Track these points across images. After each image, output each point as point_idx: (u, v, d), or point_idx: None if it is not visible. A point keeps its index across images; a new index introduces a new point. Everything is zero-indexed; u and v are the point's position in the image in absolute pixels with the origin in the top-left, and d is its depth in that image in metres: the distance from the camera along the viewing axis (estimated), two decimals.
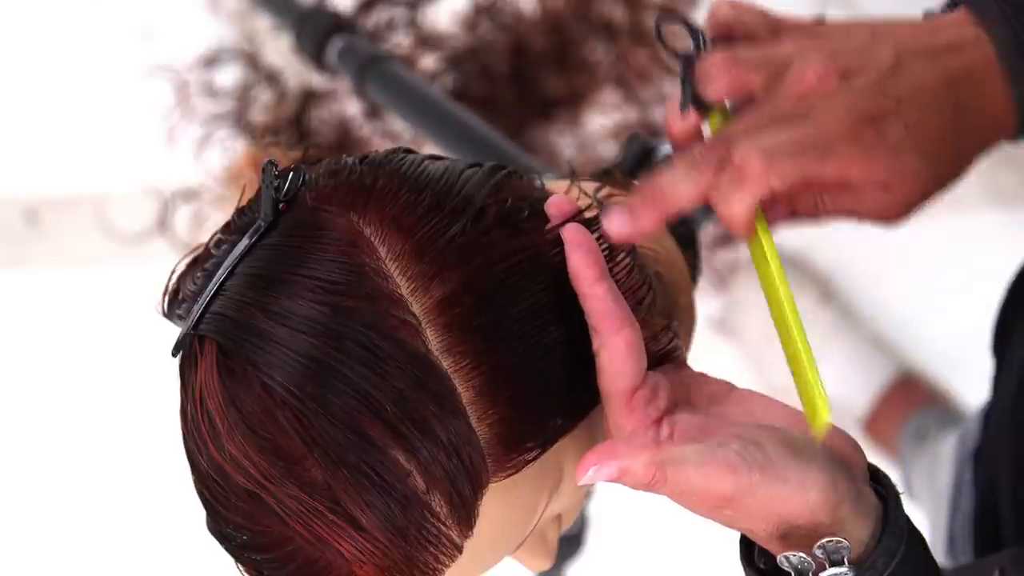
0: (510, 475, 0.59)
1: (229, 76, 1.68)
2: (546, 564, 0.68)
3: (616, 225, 0.60)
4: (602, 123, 1.61)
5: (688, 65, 0.64)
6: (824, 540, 0.59)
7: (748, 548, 0.64)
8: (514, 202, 0.61)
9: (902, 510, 0.61)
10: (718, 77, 0.63)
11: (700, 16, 0.67)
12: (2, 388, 1.66)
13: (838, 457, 0.60)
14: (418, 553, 0.58)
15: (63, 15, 1.71)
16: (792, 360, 0.60)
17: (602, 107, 1.61)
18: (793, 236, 1.61)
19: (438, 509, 0.57)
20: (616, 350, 0.60)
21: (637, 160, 0.94)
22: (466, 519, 0.58)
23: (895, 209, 0.61)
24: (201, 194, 1.65)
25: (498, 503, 0.59)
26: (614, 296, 0.60)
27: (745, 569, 0.64)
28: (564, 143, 1.62)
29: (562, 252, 0.61)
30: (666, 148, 0.97)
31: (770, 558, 0.63)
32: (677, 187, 0.60)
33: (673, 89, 0.67)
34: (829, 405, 0.58)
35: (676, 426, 0.61)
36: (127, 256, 1.66)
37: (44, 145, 1.70)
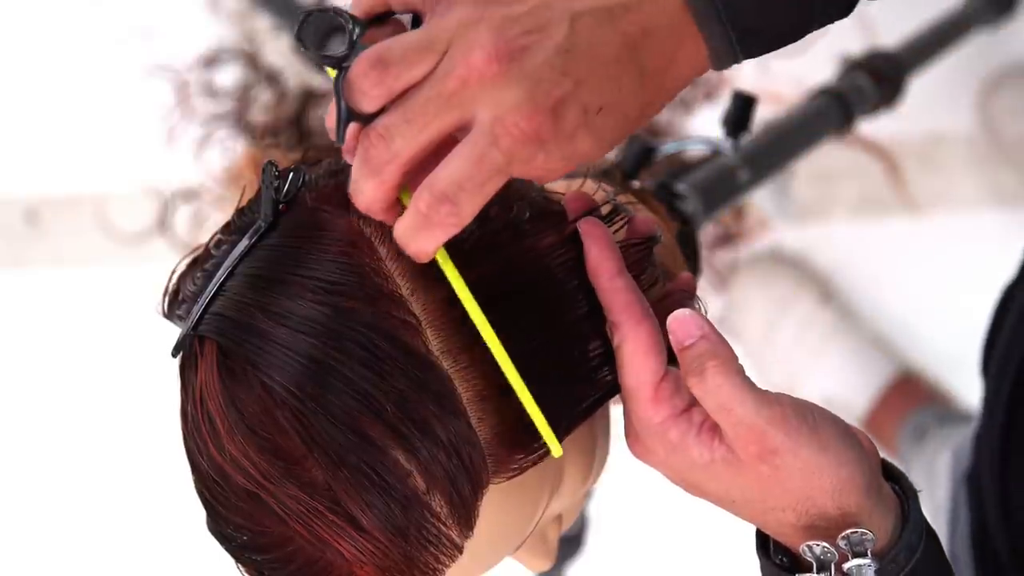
0: (512, 476, 0.59)
1: (229, 76, 1.68)
2: (546, 564, 0.68)
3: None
4: None
5: (339, 75, 0.55)
6: (848, 531, 0.59)
7: (764, 540, 0.64)
8: (515, 203, 0.61)
9: (919, 507, 0.62)
10: (368, 90, 0.55)
11: None
12: (2, 388, 1.66)
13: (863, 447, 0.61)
14: (418, 553, 0.58)
15: (63, 15, 1.71)
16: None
17: None
18: (793, 236, 1.61)
19: (438, 509, 0.57)
20: (639, 342, 0.59)
21: (637, 160, 0.94)
22: (466, 519, 0.58)
23: (557, 176, 0.57)
24: (201, 194, 1.65)
25: (498, 503, 0.59)
26: (634, 288, 0.60)
27: (761, 560, 0.64)
28: None
29: (565, 252, 0.61)
30: (666, 148, 0.97)
31: (788, 553, 0.63)
32: (359, 193, 0.57)
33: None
34: (548, 429, 0.58)
35: (707, 415, 0.60)
36: (127, 256, 1.66)
37: (44, 145, 1.70)
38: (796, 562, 0.62)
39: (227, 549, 0.61)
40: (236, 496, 0.58)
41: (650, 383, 0.60)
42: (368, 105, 0.55)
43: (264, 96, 1.67)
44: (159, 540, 1.58)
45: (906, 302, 1.59)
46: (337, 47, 0.55)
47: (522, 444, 0.59)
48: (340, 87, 0.55)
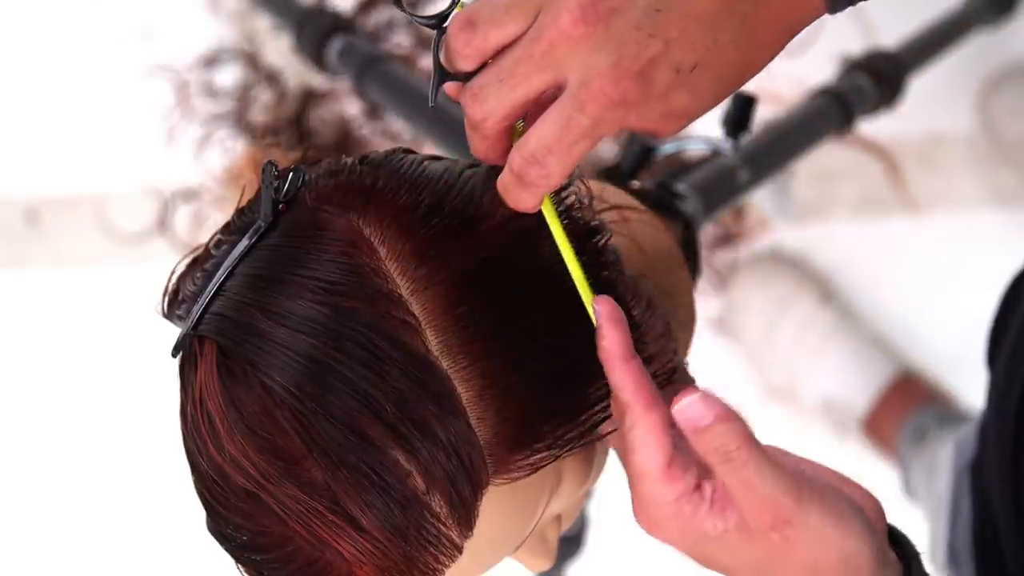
0: (514, 478, 0.59)
1: (229, 76, 1.68)
2: (546, 564, 0.68)
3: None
4: None
5: (438, 35, 0.57)
6: None
7: None
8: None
9: (921, 566, 0.61)
10: (461, 49, 0.56)
11: None
12: (2, 388, 1.66)
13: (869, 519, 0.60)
14: (418, 553, 0.58)
15: (63, 15, 1.71)
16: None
17: None
18: (793, 236, 1.61)
19: (438, 509, 0.57)
20: (650, 427, 0.58)
21: (637, 160, 0.94)
22: (466, 519, 0.58)
23: (667, 132, 0.58)
24: (201, 194, 1.65)
25: (498, 504, 0.59)
26: (644, 372, 0.59)
27: None
28: None
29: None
30: (666, 148, 0.97)
31: None
32: (471, 146, 0.59)
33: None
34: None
35: (717, 488, 0.59)
36: (127, 256, 1.66)
37: (44, 145, 1.70)
38: None
39: (227, 549, 0.61)
40: (236, 496, 0.58)
41: (662, 463, 0.58)
42: (463, 64, 0.56)
43: (264, 96, 1.67)
44: (159, 540, 1.58)
45: (906, 302, 1.59)
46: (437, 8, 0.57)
47: (522, 444, 0.59)
48: (437, 47, 0.57)
